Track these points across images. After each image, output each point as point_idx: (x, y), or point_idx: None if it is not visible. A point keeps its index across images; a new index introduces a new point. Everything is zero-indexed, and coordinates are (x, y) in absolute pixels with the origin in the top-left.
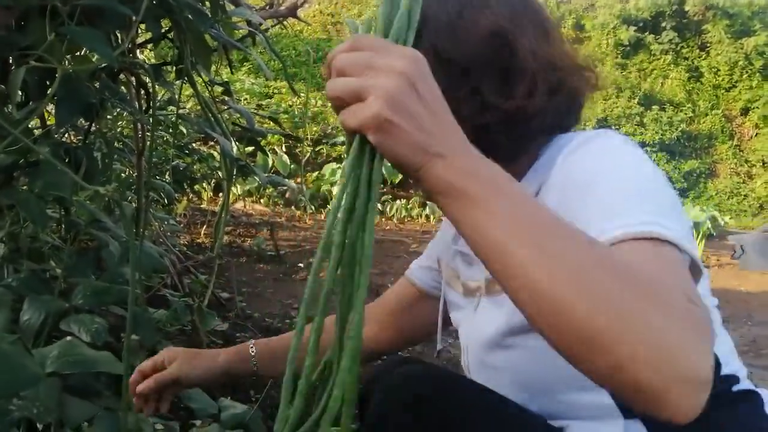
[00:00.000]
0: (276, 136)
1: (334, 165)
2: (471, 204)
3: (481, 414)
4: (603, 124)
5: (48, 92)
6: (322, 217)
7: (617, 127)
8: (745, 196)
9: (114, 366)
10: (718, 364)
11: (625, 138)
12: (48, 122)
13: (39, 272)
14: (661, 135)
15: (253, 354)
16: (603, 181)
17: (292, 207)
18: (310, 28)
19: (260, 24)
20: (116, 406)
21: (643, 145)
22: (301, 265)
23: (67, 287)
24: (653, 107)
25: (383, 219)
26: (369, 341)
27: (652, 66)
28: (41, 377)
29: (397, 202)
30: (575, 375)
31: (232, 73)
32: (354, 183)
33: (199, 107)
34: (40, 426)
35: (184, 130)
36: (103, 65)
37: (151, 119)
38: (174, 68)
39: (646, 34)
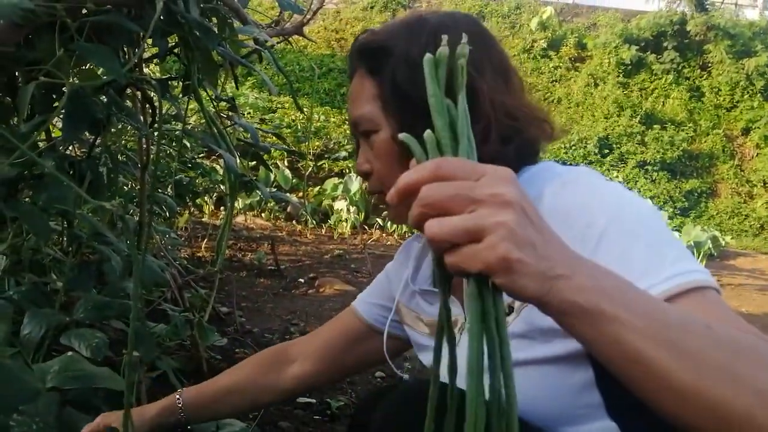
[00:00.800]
0: (278, 151)
1: (335, 180)
2: (603, 320)
3: None
4: (604, 142)
5: (54, 106)
6: (323, 232)
7: (618, 145)
8: (746, 216)
9: (114, 382)
10: None
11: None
12: (53, 135)
13: (40, 285)
14: (663, 154)
15: (180, 405)
16: (616, 234)
17: (294, 221)
18: (313, 44)
19: (266, 41)
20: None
21: (644, 164)
22: (301, 280)
23: (68, 301)
24: (654, 126)
25: (383, 234)
26: (308, 378)
27: (654, 85)
28: (41, 392)
29: None
30: (574, 406)
31: (237, 88)
32: (484, 332)
33: (203, 121)
34: None
35: (188, 144)
36: (111, 80)
37: (156, 134)
38: (180, 83)
39: (648, 53)
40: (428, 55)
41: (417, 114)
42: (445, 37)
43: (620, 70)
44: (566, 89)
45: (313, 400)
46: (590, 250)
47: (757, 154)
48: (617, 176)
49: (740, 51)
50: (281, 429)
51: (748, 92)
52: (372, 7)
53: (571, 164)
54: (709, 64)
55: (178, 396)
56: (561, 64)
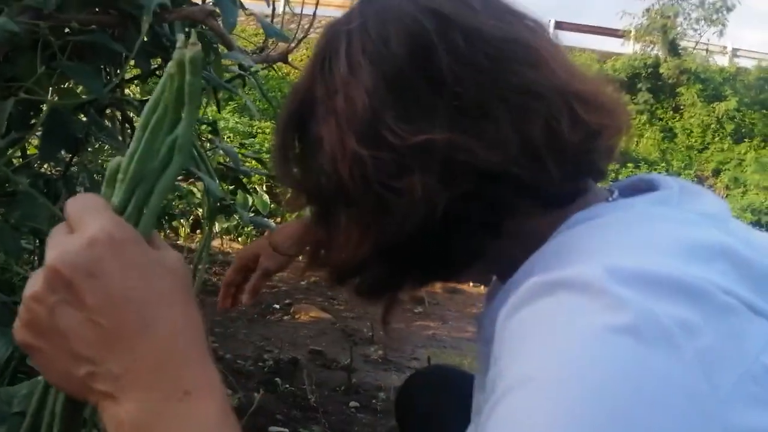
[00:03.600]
0: (257, 176)
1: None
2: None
3: None
4: None
5: (32, 124)
6: (300, 258)
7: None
8: None
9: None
10: None
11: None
12: (28, 153)
13: (9, 304)
14: None
15: None
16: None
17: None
18: (296, 71)
19: (251, 67)
20: None
21: None
22: (276, 306)
23: None
24: (628, 165)
25: None
26: None
27: None
28: (6, 417)
29: None
30: None
31: (219, 111)
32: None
33: None
34: None
35: None
36: (91, 99)
37: None
38: None
39: (623, 94)
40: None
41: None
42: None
43: None
44: None
45: (286, 430)
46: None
47: (727, 195)
48: None
49: (711, 95)
50: None
51: (718, 135)
52: None
53: None
54: (682, 107)
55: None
56: None
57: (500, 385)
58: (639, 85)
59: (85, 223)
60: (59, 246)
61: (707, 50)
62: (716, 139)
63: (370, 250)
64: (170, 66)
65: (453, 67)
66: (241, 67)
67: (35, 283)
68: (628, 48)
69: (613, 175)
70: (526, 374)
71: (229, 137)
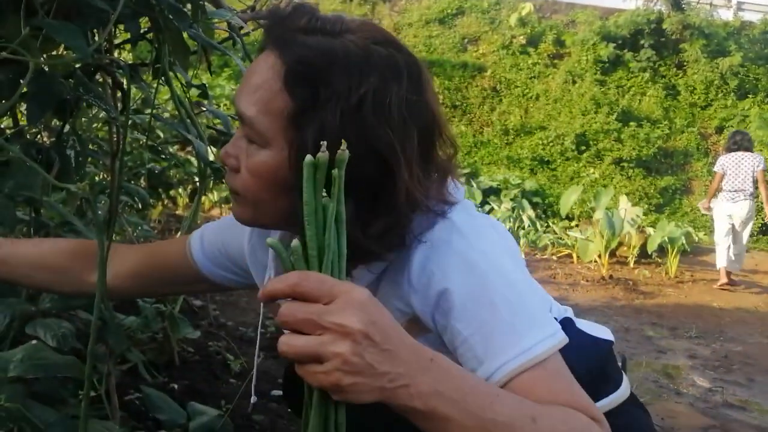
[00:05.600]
0: None
1: None
2: (437, 419)
3: None
4: (581, 139)
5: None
6: None
7: (595, 142)
8: None
9: (78, 371)
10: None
11: (474, 224)
12: (20, 122)
13: None
14: (638, 151)
15: None
16: (492, 316)
17: None
18: None
19: (240, 27)
20: (80, 414)
21: (620, 160)
22: None
23: (34, 292)
24: (631, 123)
25: None
26: (114, 291)
27: (630, 83)
28: (4, 381)
29: None
30: None
31: (211, 75)
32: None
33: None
34: None
35: (161, 134)
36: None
37: (126, 120)
38: (151, 69)
39: (625, 51)
40: (308, 158)
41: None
42: (323, 144)
43: (598, 68)
44: (544, 86)
45: None
46: (446, 317)
47: None
48: (594, 172)
49: (715, 50)
50: (255, 422)
51: (722, 91)
52: (351, 1)
53: (548, 160)
54: (685, 63)
55: None
56: (540, 61)
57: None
58: (642, 42)
59: (346, 295)
60: (345, 316)
61: (711, 4)
62: (720, 95)
63: None
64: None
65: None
66: (230, 26)
67: (337, 344)
68: (630, 3)
69: (616, 134)
70: (471, 286)
71: (225, 104)
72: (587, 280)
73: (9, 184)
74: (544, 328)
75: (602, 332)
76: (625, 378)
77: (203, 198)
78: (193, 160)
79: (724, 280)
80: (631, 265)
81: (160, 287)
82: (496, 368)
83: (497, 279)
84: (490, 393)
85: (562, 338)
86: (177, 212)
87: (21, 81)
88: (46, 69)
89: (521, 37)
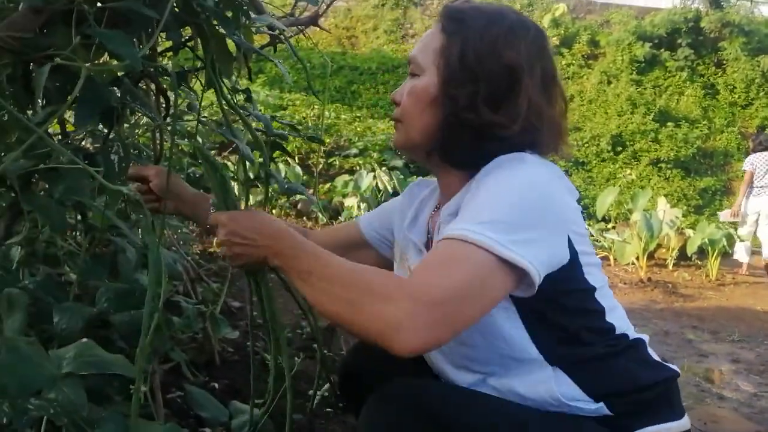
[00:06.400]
0: (289, 147)
1: (346, 177)
2: (289, 272)
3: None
4: (617, 140)
5: (69, 95)
6: None
7: (631, 143)
8: None
9: (128, 369)
10: (610, 328)
11: (532, 163)
12: (67, 129)
13: (54, 276)
14: (676, 152)
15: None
16: (479, 200)
17: (304, 218)
18: (324, 41)
19: (282, 31)
20: (127, 412)
21: (657, 161)
22: None
23: (82, 292)
24: (668, 124)
25: None
26: None
27: (668, 82)
28: (57, 378)
29: None
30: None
31: (250, 80)
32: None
33: (216, 116)
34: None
35: (200, 140)
36: (125, 72)
37: (170, 125)
38: (195, 75)
39: (662, 50)
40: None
41: (464, 81)
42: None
43: (634, 68)
44: (579, 87)
45: (326, 394)
46: (470, 194)
47: None
48: (630, 173)
49: (755, 48)
50: (293, 421)
51: (763, 90)
52: (383, 5)
53: (583, 161)
54: (724, 62)
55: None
56: (574, 62)
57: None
58: (679, 41)
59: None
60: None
61: (751, 1)
62: (761, 94)
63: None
64: None
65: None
66: (271, 30)
67: (226, 244)
68: (667, 2)
69: (653, 135)
70: (496, 188)
71: (260, 110)
72: (625, 283)
73: (59, 189)
74: (498, 232)
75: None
76: (686, 415)
77: (240, 203)
78: (230, 164)
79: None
80: (670, 267)
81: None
82: (450, 229)
83: (515, 188)
84: (324, 257)
85: (489, 244)
86: None
87: (68, 88)
88: (92, 76)
89: (555, 38)
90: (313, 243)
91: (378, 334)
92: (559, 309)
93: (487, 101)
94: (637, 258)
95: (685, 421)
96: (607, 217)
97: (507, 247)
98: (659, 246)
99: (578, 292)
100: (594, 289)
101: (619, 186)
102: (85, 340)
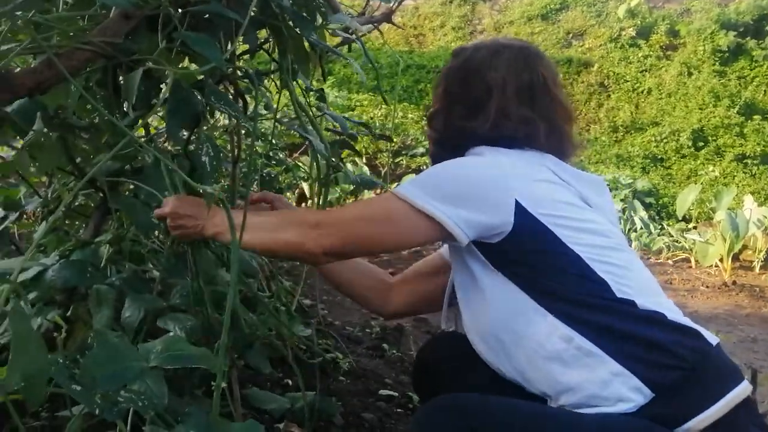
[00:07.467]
0: (357, 147)
1: (412, 176)
2: (223, 238)
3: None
4: (698, 134)
5: (155, 99)
6: None
7: (714, 137)
8: None
9: (212, 362)
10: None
11: (494, 153)
12: (150, 132)
13: (139, 273)
14: (764, 147)
15: None
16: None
17: None
18: (392, 40)
19: (355, 30)
20: (206, 405)
21: (743, 157)
22: None
23: (164, 288)
24: (755, 117)
25: None
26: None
27: (754, 73)
28: (146, 371)
29: None
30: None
31: (324, 80)
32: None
33: (289, 116)
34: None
35: (274, 141)
36: (210, 71)
37: (255, 126)
38: (275, 76)
39: (747, 39)
40: None
41: (452, 101)
42: None
43: (716, 58)
44: (657, 79)
45: (396, 394)
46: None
47: None
48: (713, 170)
49: None
50: (364, 420)
51: None
52: (451, 2)
53: (662, 158)
54: None
55: None
56: (651, 53)
57: None
58: (767, 28)
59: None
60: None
61: None
62: None
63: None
64: None
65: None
66: (347, 30)
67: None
68: None
69: (737, 129)
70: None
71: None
72: (707, 286)
73: (144, 190)
74: (421, 191)
75: (703, 332)
76: (744, 384)
77: (309, 203)
78: (301, 165)
79: None
80: (757, 270)
81: (420, 286)
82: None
83: (456, 164)
84: (258, 220)
85: (410, 199)
86: None
87: (152, 93)
88: (181, 83)
89: (631, 29)
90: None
91: (293, 252)
92: (530, 267)
93: (462, 115)
94: (721, 260)
95: (722, 405)
96: (687, 217)
97: (424, 200)
98: (745, 247)
99: (550, 253)
100: (578, 254)
101: (701, 183)
102: (171, 334)
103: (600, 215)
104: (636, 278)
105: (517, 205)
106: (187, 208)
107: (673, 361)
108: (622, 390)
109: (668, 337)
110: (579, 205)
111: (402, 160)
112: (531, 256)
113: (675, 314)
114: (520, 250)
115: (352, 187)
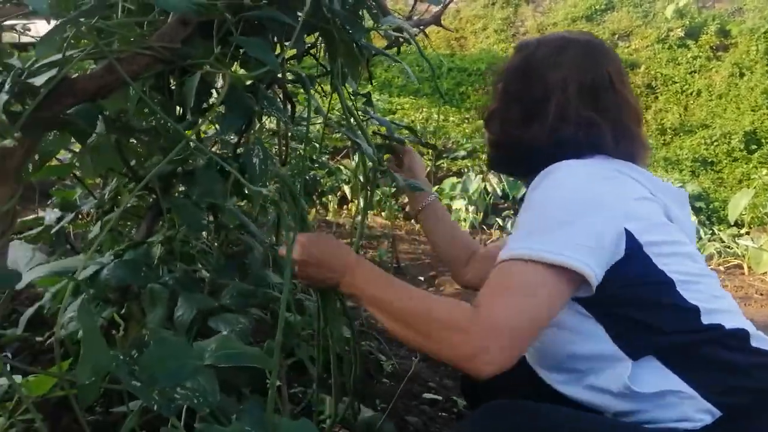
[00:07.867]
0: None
1: (454, 179)
2: (362, 299)
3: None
4: (751, 137)
5: (207, 103)
6: None
7: (766, 141)
8: None
9: (265, 362)
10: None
11: (574, 167)
12: (201, 135)
13: (190, 273)
14: None
15: (424, 204)
16: (523, 218)
17: (413, 220)
18: (433, 43)
19: (404, 32)
20: (255, 404)
21: None
22: (421, 278)
23: (214, 288)
24: None
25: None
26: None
27: None
28: (200, 368)
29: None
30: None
31: (371, 84)
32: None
33: (335, 120)
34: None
35: (317, 145)
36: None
37: (307, 130)
38: (328, 79)
39: None
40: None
41: (510, 99)
42: None
43: None
44: (707, 80)
45: (440, 398)
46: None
47: None
48: (767, 174)
49: None
50: (409, 423)
51: None
52: (493, 4)
53: (712, 161)
54: None
55: (432, 197)
56: (701, 54)
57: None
58: None
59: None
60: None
61: None
62: None
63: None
64: None
65: None
66: (398, 31)
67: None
68: None
69: None
70: (541, 199)
71: None
72: (761, 294)
73: (195, 191)
74: (544, 242)
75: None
76: None
77: (350, 205)
78: (343, 168)
79: None
80: None
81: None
82: (503, 253)
83: (556, 198)
84: (392, 284)
85: (537, 255)
86: (327, 218)
87: (203, 97)
88: (234, 84)
89: (679, 29)
90: (385, 273)
91: (452, 361)
92: (626, 302)
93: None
94: None
95: None
96: (740, 222)
97: (555, 253)
98: None
99: (648, 285)
100: (672, 281)
101: (754, 188)
102: (224, 333)
103: (681, 232)
104: (720, 302)
105: (627, 234)
106: (321, 254)
107: (749, 384)
108: (689, 411)
109: (748, 359)
110: (669, 224)
111: (443, 163)
112: (629, 290)
113: (756, 336)
114: (620, 285)
115: (393, 190)
